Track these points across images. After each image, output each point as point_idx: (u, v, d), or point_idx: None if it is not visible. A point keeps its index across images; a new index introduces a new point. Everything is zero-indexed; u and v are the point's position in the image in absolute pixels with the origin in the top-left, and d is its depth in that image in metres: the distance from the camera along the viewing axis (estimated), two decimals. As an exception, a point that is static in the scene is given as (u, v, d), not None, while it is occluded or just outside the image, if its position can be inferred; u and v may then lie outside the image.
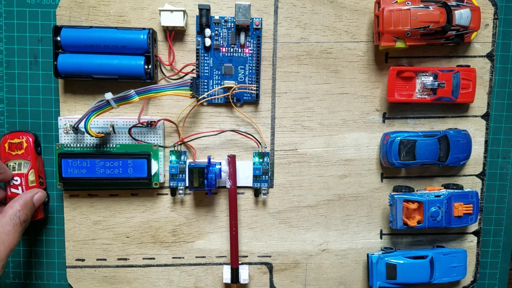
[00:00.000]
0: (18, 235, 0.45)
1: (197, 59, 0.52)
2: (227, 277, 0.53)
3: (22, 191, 0.50)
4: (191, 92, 0.49)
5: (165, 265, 0.55)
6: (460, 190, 0.53)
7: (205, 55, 0.52)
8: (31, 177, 0.51)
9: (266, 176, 0.53)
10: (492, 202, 0.57)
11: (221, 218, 0.54)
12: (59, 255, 0.55)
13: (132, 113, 0.53)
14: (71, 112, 0.52)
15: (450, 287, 0.57)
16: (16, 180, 0.50)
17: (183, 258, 0.55)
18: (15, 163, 0.51)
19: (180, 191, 0.53)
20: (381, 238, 0.56)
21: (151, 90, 0.48)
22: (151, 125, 0.51)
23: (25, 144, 0.51)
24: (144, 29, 0.49)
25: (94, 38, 0.48)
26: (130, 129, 0.51)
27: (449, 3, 0.48)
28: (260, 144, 0.53)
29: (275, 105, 0.53)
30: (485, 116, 0.55)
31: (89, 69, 0.49)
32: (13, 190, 0.50)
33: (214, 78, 0.52)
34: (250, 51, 0.52)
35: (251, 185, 0.54)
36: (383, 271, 0.52)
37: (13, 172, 0.50)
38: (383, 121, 0.54)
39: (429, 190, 0.53)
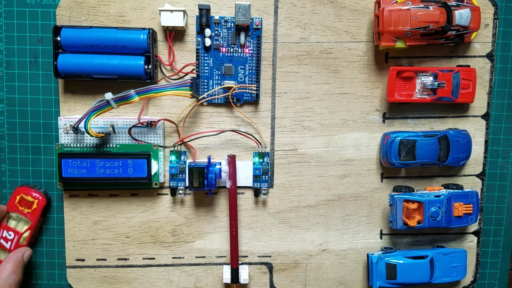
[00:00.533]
0: None
1: (197, 59, 0.52)
2: (227, 277, 0.53)
3: (11, 246, 0.51)
4: (191, 92, 0.49)
5: (165, 265, 0.55)
6: (460, 190, 0.53)
7: (205, 55, 0.52)
8: (25, 235, 0.52)
9: (266, 176, 0.53)
10: (492, 202, 0.57)
11: (221, 218, 0.54)
12: (59, 255, 0.55)
13: (132, 113, 0.53)
14: (71, 112, 0.52)
15: (450, 287, 0.57)
16: (10, 235, 0.52)
17: (183, 258, 0.55)
18: (17, 217, 0.52)
19: (180, 191, 0.53)
20: (381, 238, 0.56)
21: (151, 90, 0.48)
22: (151, 125, 0.51)
23: (34, 206, 0.52)
24: (144, 29, 0.49)
25: (94, 38, 0.48)
26: (130, 129, 0.51)
27: (449, 3, 0.48)
28: (260, 144, 0.53)
29: (275, 105, 0.53)
30: (485, 116, 0.55)
31: (89, 69, 0.49)
32: (2, 241, 0.51)
33: (214, 78, 0.52)
34: (250, 51, 0.52)
35: (251, 185, 0.54)
36: (383, 271, 0.52)
37: (10, 226, 0.52)
38: (383, 121, 0.54)
39: (429, 190, 0.53)
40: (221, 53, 0.52)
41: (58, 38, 0.49)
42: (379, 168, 0.55)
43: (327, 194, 0.55)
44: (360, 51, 0.53)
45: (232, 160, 0.52)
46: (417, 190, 0.53)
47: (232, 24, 0.51)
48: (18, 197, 0.52)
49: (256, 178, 0.53)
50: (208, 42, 0.51)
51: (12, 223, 0.52)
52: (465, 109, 0.55)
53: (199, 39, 0.51)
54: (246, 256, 0.55)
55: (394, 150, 0.51)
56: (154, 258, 0.55)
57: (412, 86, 0.52)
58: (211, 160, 0.52)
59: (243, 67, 0.52)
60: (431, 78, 0.52)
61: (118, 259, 0.54)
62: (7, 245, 0.51)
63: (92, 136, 0.48)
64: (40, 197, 0.52)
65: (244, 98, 0.53)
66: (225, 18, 0.51)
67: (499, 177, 0.56)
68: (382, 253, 0.53)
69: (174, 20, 0.49)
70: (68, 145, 0.51)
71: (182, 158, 0.52)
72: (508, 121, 0.56)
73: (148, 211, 0.54)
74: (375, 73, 0.53)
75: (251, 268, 0.55)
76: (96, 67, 0.49)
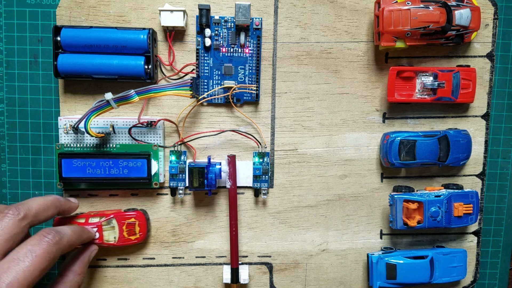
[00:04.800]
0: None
1: (197, 59, 0.52)
2: (227, 277, 0.53)
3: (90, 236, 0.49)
4: (191, 92, 0.49)
5: (165, 265, 0.55)
6: (460, 190, 0.53)
7: (205, 55, 0.52)
8: (106, 236, 0.50)
9: (266, 176, 0.53)
10: (492, 202, 0.57)
11: (221, 218, 0.54)
12: (59, 255, 0.55)
13: (132, 113, 0.53)
14: (71, 112, 0.52)
15: (450, 287, 0.57)
16: (94, 229, 0.49)
17: (183, 258, 0.55)
18: (112, 227, 0.50)
19: (180, 191, 0.53)
20: (381, 238, 0.56)
21: (151, 90, 0.48)
22: (151, 125, 0.51)
23: (136, 232, 0.51)
24: (144, 29, 0.49)
25: (94, 38, 0.48)
26: (130, 129, 0.51)
27: (449, 3, 0.48)
28: (260, 144, 0.53)
29: (275, 105, 0.53)
30: (485, 116, 0.55)
31: (89, 69, 0.49)
32: (80, 220, 0.49)
33: (214, 78, 0.52)
34: (250, 51, 0.52)
35: (251, 185, 0.54)
36: (383, 271, 0.52)
37: (103, 228, 0.50)
38: (383, 121, 0.54)
39: (429, 190, 0.53)
40: (221, 53, 0.52)
41: (58, 38, 0.49)
42: (379, 168, 0.55)
43: (327, 194, 0.55)
44: (360, 51, 0.53)
45: (232, 160, 0.52)
46: (417, 190, 0.53)
47: (232, 24, 0.51)
48: (129, 221, 0.50)
49: (256, 178, 0.53)
50: (208, 42, 0.51)
51: (106, 226, 0.50)
52: (465, 109, 0.55)
53: (199, 39, 0.51)
54: (246, 256, 0.55)
55: (394, 150, 0.51)
56: (154, 258, 0.55)
57: (412, 86, 0.52)
58: (211, 160, 0.52)
59: (243, 67, 0.52)
60: (431, 78, 0.52)
61: (118, 259, 0.54)
62: (90, 233, 0.49)
63: (92, 136, 0.48)
64: (143, 227, 0.51)
65: (244, 98, 0.53)
66: (225, 18, 0.51)
67: (499, 177, 0.56)
68: (382, 253, 0.53)
69: (174, 20, 0.49)
70: (68, 145, 0.51)
71: (182, 158, 0.52)
72: (508, 121, 0.56)
73: (148, 211, 0.54)
74: (375, 73, 0.53)
75: (251, 268, 0.55)
76: (96, 67, 0.49)
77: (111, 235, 0.50)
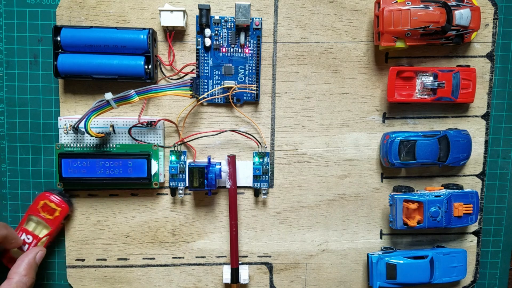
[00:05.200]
0: None
1: (197, 59, 0.52)
2: (227, 277, 0.53)
3: (27, 249, 0.51)
4: (191, 92, 0.49)
5: (165, 265, 0.55)
6: (460, 190, 0.53)
7: (205, 55, 0.52)
8: (43, 240, 0.51)
9: (266, 176, 0.53)
10: (492, 202, 0.57)
11: (221, 218, 0.54)
12: (59, 255, 0.55)
13: (132, 113, 0.53)
14: (71, 112, 0.52)
15: (450, 287, 0.57)
16: (28, 238, 0.51)
17: (183, 258, 0.55)
18: (37, 221, 0.51)
19: (180, 191, 0.53)
20: (381, 238, 0.56)
21: (151, 90, 0.48)
22: (151, 125, 0.51)
23: (57, 214, 0.51)
24: (144, 29, 0.49)
25: (94, 38, 0.48)
26: (130, 129, 0.51)
27: (449, 3, 0.48)
28: (260, 144, 0.53)
29: (275, 105, 0.53)
30: (485, 116, 0.55)
31: (89, 69, 0.49)
32: None
33: (214, 78, 0.52)
34: (250, 51, 0.52)
35: (251, 185, 0.54)
36: (383, 271, 0.52)
37: (29, 230, 0.51)
38: (383, 121, 0.54)
39: (429, 190, 0.53)
40: (221, 53, 0.52)
41: (58, 38, 0.49)
42: (379, 168, 0.55)
43: (327, 194, 0.55)
44: (360, 51, 0.53)
45: (232, 160, 0.52)
46: (417, 190, 0.53)
47: (232, 24, 0.51)
48: (42, 203, 0.50)
49: (256, 178, 0.53)
50: (208, 42, 0.51)
51: (31, 226, 0.51)
52: (465, 109, 0.55)
53: (199, 39, 0.51)
54: (246, 256, 0.55)
55: (394, 150, 0.51)
56: (154, 258, 0.55)
57: (412, 86, 0.52)
58: (211, 160, 0.52)
59: (243, 67, 0.52)
60: (431, 78, 0.52)
61: (118, 259, 0.54)
62: (25, 248, 0.51)
63: (92, 136, 0.48)
64: (64, 206, 0.51)
65: (244, 98, 0.53)
66: (225, 18, 0.51)
67: (499, 177, 0.56)
68: (382, 253, 0.53)
69: (174, 20, 0.49)
70: (68, 145, 0.51)
71: (182, 158, 0.52)
72: (508, 121, 0.56)
73: (148, 211, 0.54)
74: (375, 73, 0.53)
75: (251, 268, 0.55)
76: (96, 67, 0.49)
77: (43, 230, 0.51)
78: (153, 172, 0.51)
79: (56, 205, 0.51)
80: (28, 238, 0.51)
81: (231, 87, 0.52)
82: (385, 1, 0.49)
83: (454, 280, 0.53)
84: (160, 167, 0.52)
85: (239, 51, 0.52)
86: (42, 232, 0.51)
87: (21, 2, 0.52)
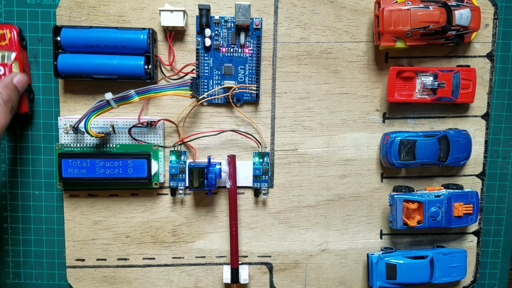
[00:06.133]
0: (4, 115, 0.45)
1: (197, 59, 0.52)
2: (227, 277, 0.53)
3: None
4: (191, 92, 0.49)
5: (165, 265, 0.55)
6: (460, 190, 0.53)
7: (205, 55, 0.52)
8: (15, 68, 0.49)
9: (266, 176, 0.53)
10: (492, 202, 0.57)
11: (221, 218, 0.54)
12: (59, 255, 0.55)
13: (132, 113, 0.53)
14: (71, 112, 0.52)
15: (450, 287, 0.57)
16: (1, 70, 0.49)
17: (183, 258, 0.55)
18: (0, 55, 0.49)
19: (180, 191, 0.53)
20: (381, 238, 0.56)
21: (151, 90, 0.48)
22: (151, 125, 0.51)
23: (8, 35, 0.49)
24: (144, 29, 0.49)
25: (94, 38, 0.48)
26: (130, 129, 0.51)
27: (449, 3, 0.48)
28: (260, 144, 0.53)
29: (275, 105, 0.53)
30: (485, 116, 0.55)
31: (89, 69, 0.49)
32: None
33: (214, 78, 0.52)
34: (250, 51, 0.52)
35: (251, 185, 0.54)
36: (383, 271, 0.52)
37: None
38: (383, 121, 0.54)
39: (429, 190, 0.53)
40: (221, 53, 0.52)
41: (58, 38, 0.49)
42: (379, 168, 0.55)
43: (327, 194, 0.55)
44: (360, 51, 0.53)
45: (232, 160, 0.52)
46: (417, 190, 0.53)
47: (232, 24, 0.51)
48: None
49: (256, 178, 0.53)
50: (208, 42, 0.51)
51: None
52: (465, 109, 0.55)
53: (199, 39, 0.51)
54: (246, 256, 0.55)
55: (394, 150, 0.51)
56: (154, 258, 0.55)
57: (412, 86, 0.52)
58: (211, 160, 0.52)
59: (243, 67, 0.52)
60: (431, 78, 0.52)
61: (118, 259, 0.54)
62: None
63: (92, 136, 0.48)
64: (10, 28, 0.49)
65: (244, 98, 0.53)
66: (225, 18, 0.51)
67: (499, 177, 0.56)
68: (382, 253, 0.53)
69: (174, 20, 0.49)
70: (68, 145, 0.51)
71: (182, 158, 0.52)
72: (508, 121, 0.56)
73: (148, 211, 0.54)
74: (375, 73, 0.53)
75: (251, 268, 0.55)
76: (96, 67, 0.49)
77: (10, 57, 0.50)
78: (153, 172, 0.51)
79: (1, 29, 0.49)
80: (0, 70, 0.49)
81: (231, 87, 0.52)
82: (385, 1, 0.49)
83: (454, 280, 0.54)
84: (160, 167, 0.52)
85: (239, 51, 0.52)
86: (9, 59, 0.49)
87: (21, 2, 0.52)
